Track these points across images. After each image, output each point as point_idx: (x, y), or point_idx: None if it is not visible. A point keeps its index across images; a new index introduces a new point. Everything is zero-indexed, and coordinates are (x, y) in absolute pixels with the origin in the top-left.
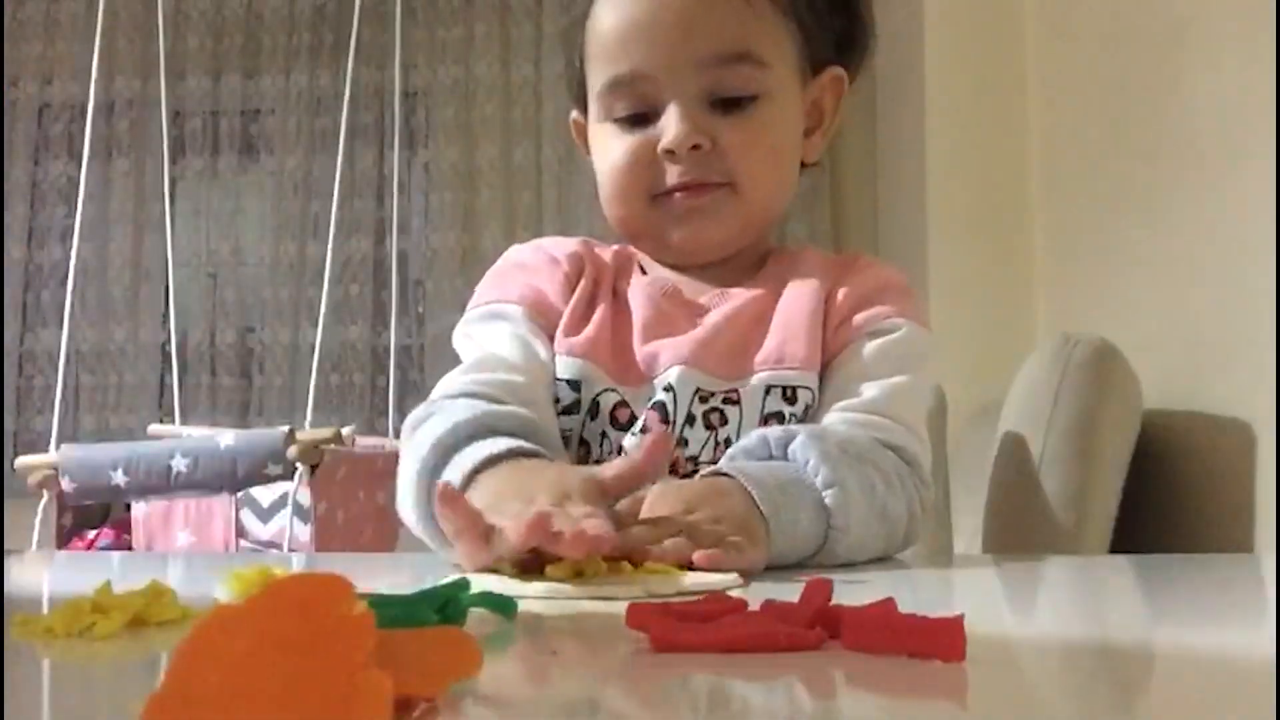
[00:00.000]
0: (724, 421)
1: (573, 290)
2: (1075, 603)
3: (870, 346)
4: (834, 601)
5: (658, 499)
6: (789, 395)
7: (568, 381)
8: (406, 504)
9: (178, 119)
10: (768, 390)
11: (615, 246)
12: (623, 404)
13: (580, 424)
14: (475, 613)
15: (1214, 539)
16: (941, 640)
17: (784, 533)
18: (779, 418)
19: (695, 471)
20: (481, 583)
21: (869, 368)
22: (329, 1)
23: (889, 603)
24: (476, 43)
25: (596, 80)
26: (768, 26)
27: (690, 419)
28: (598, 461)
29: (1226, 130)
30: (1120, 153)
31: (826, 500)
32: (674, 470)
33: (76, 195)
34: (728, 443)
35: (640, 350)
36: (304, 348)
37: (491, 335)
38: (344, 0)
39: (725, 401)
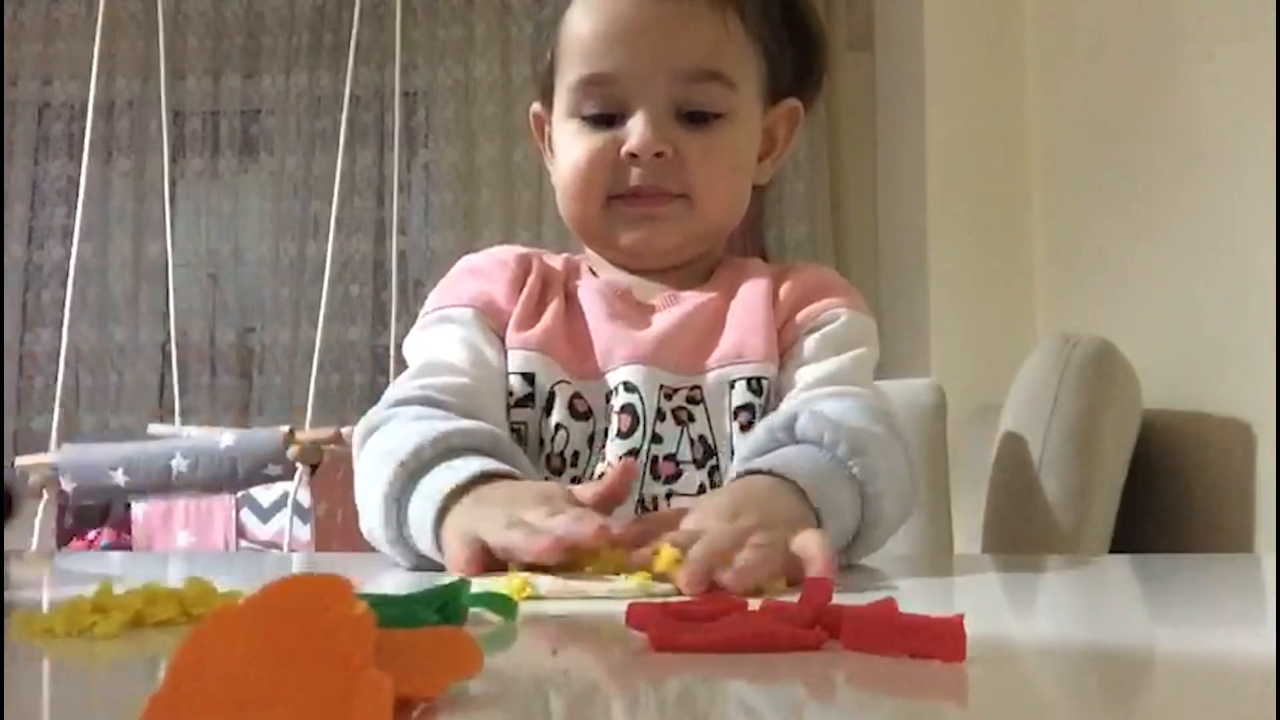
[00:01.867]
0: (692, 419)
1: (520, 288)
2: (1075, 603)
3: (813, 338)
4: (834, 601)
5: (700, 518)
6: (754, 386)
7: (521, 374)
8: (373, 525)
9: (178, 119)
10: (732, 384)
11: (564, 255)
12: (578, 396)
13: (536, 418)
14: (475, 613)
15: (1214, 539)
16: (941, 640)
17: (834, 515)
18: (749, 409)
19: (679, 472)
20: (482, 583)
21: (815, 355)
22: (329, 1)
23: (889, 603)
24: (476, 43)
25: (569, 75)
26: (739, 51)
27: (660, 414)
28: (555, 455)
29: (1226, 130)
30: (1120, 153)
31: (855, 471)
32: (656, 473)
33: (76, 195)
34: (702, 439)
35: (595, 343)
36: (304, 348)
37: (439, 339)
38: (344, 0)
39: (690, 400)
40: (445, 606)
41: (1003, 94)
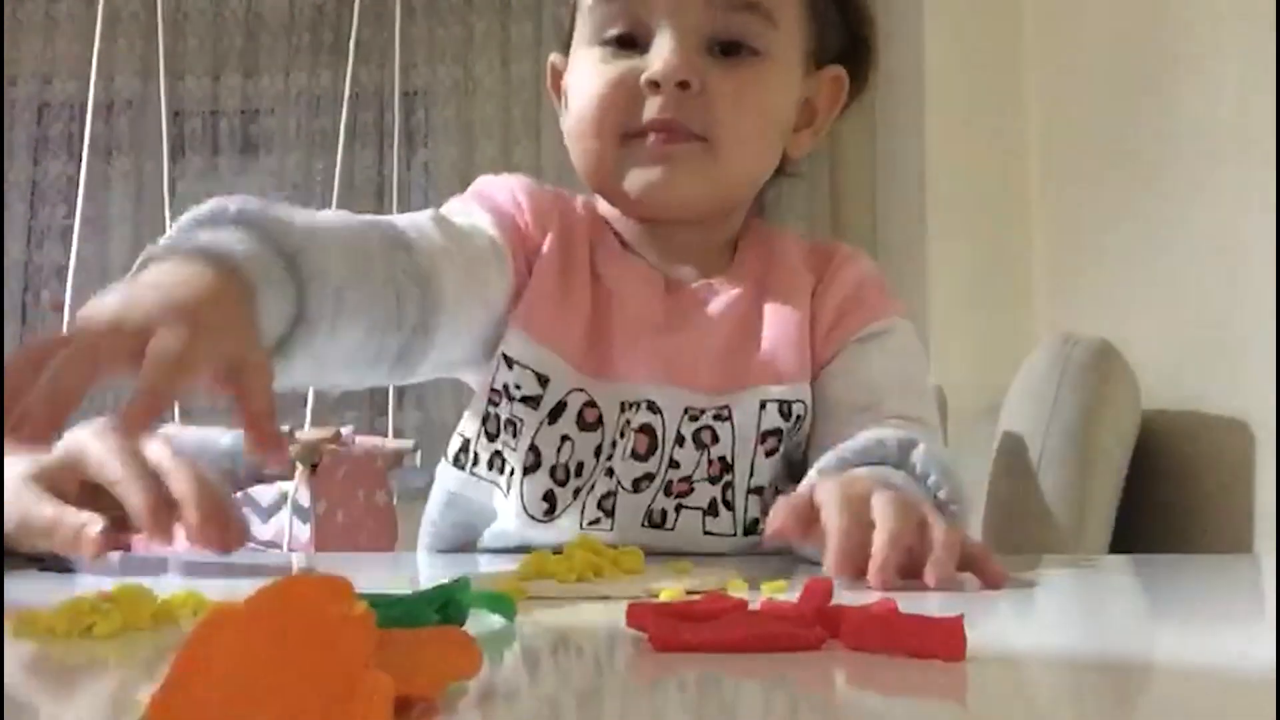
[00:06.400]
0: (715, 440)
1: (532, 250)
2: (1075, 602)
3: (872, 352)
4: (834, 601)
5: (874, 512)
6: (784, 410)
7: (535, 374)
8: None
9: (177, 119)
10: (763, 405)
11: (583, 200)
12: (591, 404)
13: (537, 422)
14: (475, 613)
15: (1213, 539)
16: (941, 640)
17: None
18: (776, 435)
19: (691, 489)
20: (481, 583)
21: (879, 375)
22: (329, 1)
23: (889, 603)
24: (476, 42)
25: None
26: None
27: (680, 439)
28: (560, 466)
29: (1226, 131)
30: (1120, 152)
31: (954, 512)
32: (668, 490)
33: (76, 195)
34: (722, 460)
35: (620, 348)
36: None
37: (446, 214)
38: (344, 0)
39: (716, 418)
40: (445, 606)
41: (1003, 94)
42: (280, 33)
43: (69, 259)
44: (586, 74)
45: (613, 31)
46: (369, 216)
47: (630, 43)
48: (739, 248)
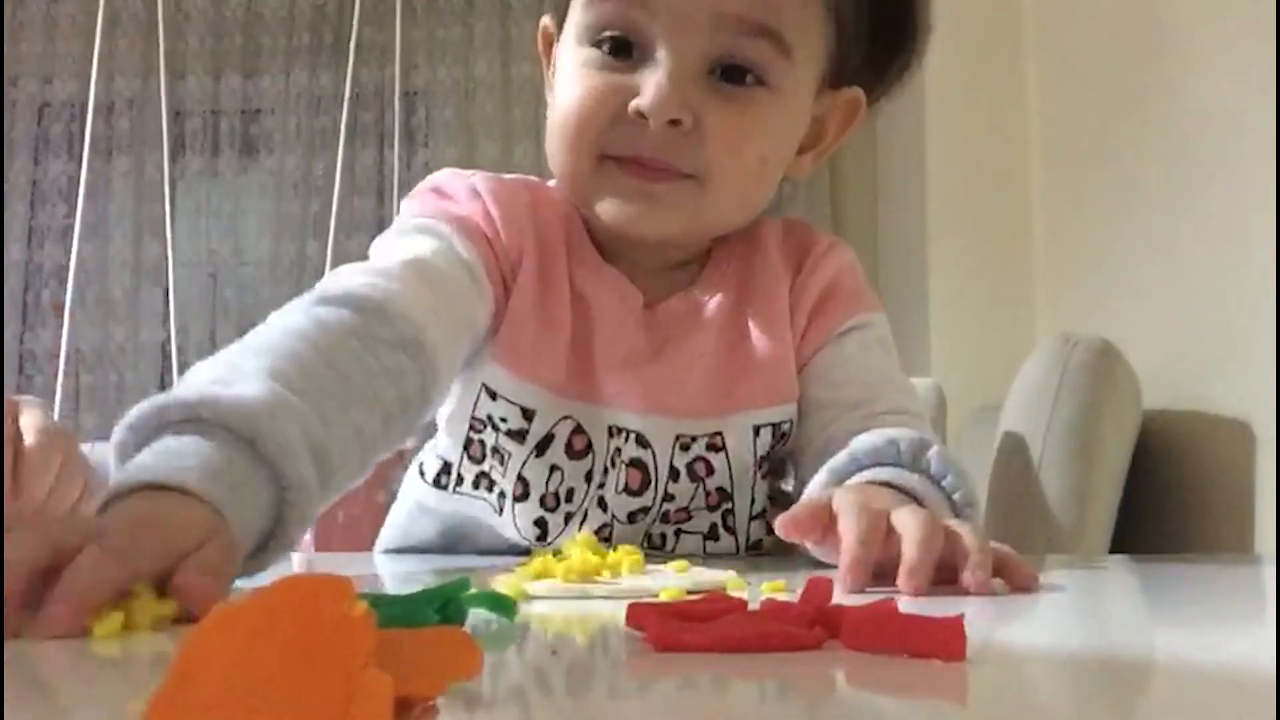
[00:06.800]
0: (710, 471)
1: (507, 263)
2: (1075, 603)
3: (854, 347)
4: (834, 601)
5: (896, 521)
6: (776, 432)
7: (520, 408)
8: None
9: (178, 119)
10: (757, 432)
11: (553, 186)
12: (579, 430)
13: (525, 455)
14: (475, 613)
15: (1213, 539)
16: (941, 640)
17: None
18: (770, 459)
19: (690, 516)
20: (481, 583)
21: (866, 372)
22: (329, 1)
23: (889, 603)
24: (476, 43)
25: None
26: (808, 16)
27: (674, 473)
28: (550, 494)
29: (1226, 130)
30: (1120, 152)
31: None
32: (665, 518)
33: (76, 195)
34: (720, 491)
35: (603, 372)
36: None
37: (412, 245)
38: (344, 0)
39: (710, 448)
40: (445, 606)
41: (1003, 94)
42: (280, 33)
43: (69, 259)
44: (572, 78)
45: (607, 34)
46: (332, 299)
47: (625, 48)
48: (718, 244)
